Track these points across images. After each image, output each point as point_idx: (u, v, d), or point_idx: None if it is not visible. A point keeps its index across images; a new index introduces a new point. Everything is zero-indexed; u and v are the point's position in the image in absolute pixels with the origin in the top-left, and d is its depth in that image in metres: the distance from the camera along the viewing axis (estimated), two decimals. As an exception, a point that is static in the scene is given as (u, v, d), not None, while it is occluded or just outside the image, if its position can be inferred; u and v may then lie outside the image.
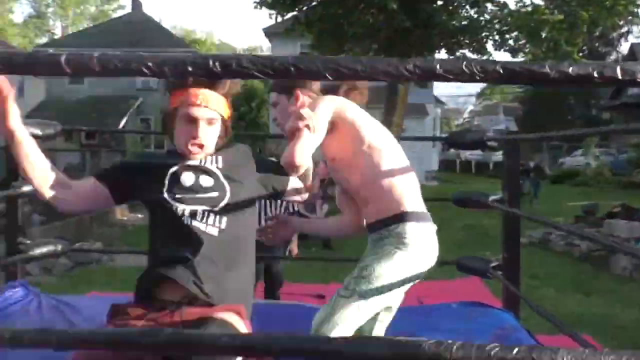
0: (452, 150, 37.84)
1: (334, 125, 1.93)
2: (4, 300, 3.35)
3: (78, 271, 8.49)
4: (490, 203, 3.03)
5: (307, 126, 1.76)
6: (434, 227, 2.05)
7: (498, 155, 31.00)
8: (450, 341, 0.75)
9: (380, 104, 16.50)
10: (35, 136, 3.26)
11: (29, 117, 5.25)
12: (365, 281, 1.87)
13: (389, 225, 1.93)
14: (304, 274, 7.57)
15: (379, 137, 2.01)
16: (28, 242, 3.61)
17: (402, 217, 1.92)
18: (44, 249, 3.45)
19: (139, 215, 15.05)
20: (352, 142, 1.97)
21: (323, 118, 1.86)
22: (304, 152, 1.75)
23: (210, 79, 1.73)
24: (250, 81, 29.92)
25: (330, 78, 0.70)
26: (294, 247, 4.86)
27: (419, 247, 1.91)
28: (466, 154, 34.62)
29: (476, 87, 52.90)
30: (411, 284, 1.99)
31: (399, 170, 1.98)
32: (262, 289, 5.02)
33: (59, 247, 3.51)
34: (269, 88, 2.36)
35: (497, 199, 3.08)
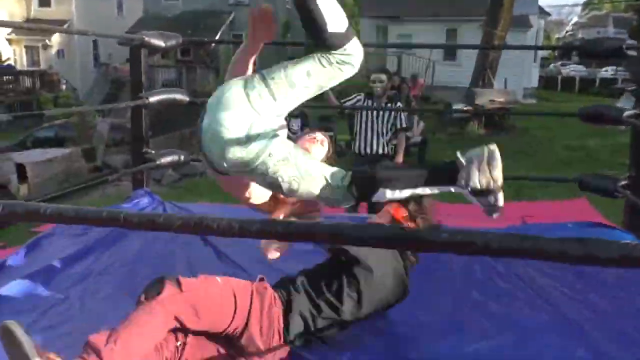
0: (552, 66, 35.50)
1: None
2: (133, 206, 3.60)
3: (184, 182, 8.99)
4: (624, 119, 2.82)
5: None
6: None
7: (605, 71, 28.79)
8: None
9: (480, 16, 15.57)
10: (158, 47, 3.38)
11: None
12: None
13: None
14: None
15: None
16: (152, 151, 3.82)
17: None
18: (168, 158, 3.64)
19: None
20: None
21: None
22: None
23: None
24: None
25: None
26: (399, 159, 4.86)
27: None
28: (568, 70, 32.34)
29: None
30: None
31: None
32: (365, 204, 5.10)
33: (182, 157, 3.70)
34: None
35: (632, 114, 2.86)
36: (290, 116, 10.43)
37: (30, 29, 18.95)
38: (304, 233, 0.79)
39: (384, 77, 4.75)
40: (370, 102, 4.75)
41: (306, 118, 10.43)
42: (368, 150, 4.84)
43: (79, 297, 2.57)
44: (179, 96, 3.55)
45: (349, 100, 4.86)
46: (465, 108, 10.20)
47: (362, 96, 4.81)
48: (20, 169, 7.40)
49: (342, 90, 5.16)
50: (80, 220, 0.83)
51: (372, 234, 0.77)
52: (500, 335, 2.34)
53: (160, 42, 3.26)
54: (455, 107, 11.35)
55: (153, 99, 3.40)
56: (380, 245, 0.78)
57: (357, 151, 4.93)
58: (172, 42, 3.33)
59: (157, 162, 3.59)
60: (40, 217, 0.84)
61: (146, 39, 3.20)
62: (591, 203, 6.21)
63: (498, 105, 11.07)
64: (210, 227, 0.79)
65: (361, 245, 0.76)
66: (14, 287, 2.60)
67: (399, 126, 4.83)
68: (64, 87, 23.83)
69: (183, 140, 12.29)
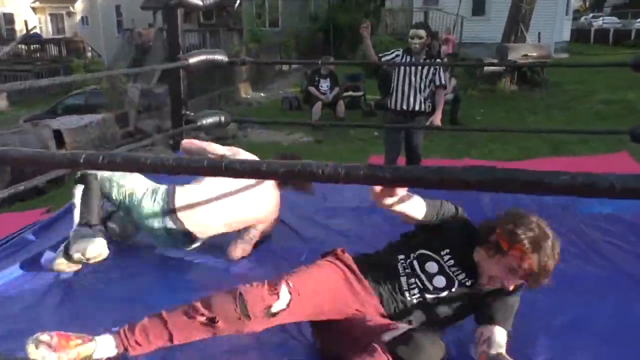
0: (582, 19, 34.30)
1: None
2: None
3: (216, 145, 9.02)
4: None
5: None
6: None
7: (641, 22, 27.64)
8: None
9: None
10: (196, 6, 3.33)
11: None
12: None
13: None
14: (435, 150, 7.50)
15: None
16: (192, 114, 3.81)
17: None
18: (209, 120, 3.63)
19: (262, 94, 15.48)
20: None
21: None
22: None
23: None
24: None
25: None
26: (436, 119, 4.78)
27: None
28: (601, 22, 31.20)
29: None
30: None
31: None
32: (403, 163, 5.07)
33: (222, 118, 3.69)
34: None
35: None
36: (319, 77, 10.38)
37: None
38: (412, 178, 0.76)
39: (422, 32, 4.62)
40: (408, 58, 4.65)
41: (335, 78, 10.31)
42: (405, 107, 4.77)
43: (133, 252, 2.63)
44: (218, 57, 3.51)
45: (387, 55, 4.76)
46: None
47: (400, 52, 4.72)
48: (58, 136, 7.52)
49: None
50: (182, 169, 0.82)
51: (481, 177, 0.74)
52: (556, 289, 2.32)
53: (198, 1, 3.21)
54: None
55: (193, 60, 3.37)
56: (489, 188, 0.75)
57: (393, 107, 4.86)
58: (210, 0, 3.27)
59: (199, 124, 3.59)
60: (140, 166, 0.83)
61: (185, -3, 3.16)
62: (632, 157, 6.06)
63: (532, 60, 10.76)
64: (316, 173, 0.77)
65: (468, 189, 0.74)
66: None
67: (437, 83, 4.74)
68: (89, 54, 23.94)
69: (212, 103, 12.30)
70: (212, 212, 2.40)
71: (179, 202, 2.36)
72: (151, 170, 0.82)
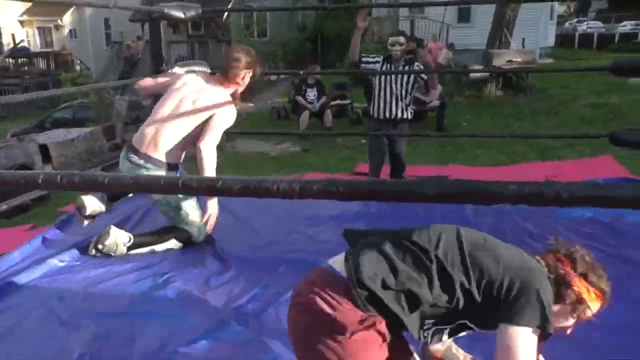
0: (567, 24, 34.64)
1: None
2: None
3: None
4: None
5: None
6: None
7: (624, 26, 28.01)
8: None
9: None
10: (177, 18, 3.35)
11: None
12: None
13: None
14: (421, 156, 7.54)
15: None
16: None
17: None
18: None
19: (250, 105, 15.47)
20: None
21: None
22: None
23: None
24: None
25: None
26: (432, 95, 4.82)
27: None
28: (585, 27, 31.54)
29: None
30: None
31: None
32: (387, 172, 5.09)
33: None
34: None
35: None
36: (307, 86, 10.39)
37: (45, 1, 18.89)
38: (367, 192, 0.78)
39: (402, 39, 4.66)
40: (388, 66, 4.68)
41: (322, 87, 10.34)
42: (387, 115, 4.79)
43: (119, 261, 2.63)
44: (201, 68, 3.51)
45: (370, 57, 4.76)
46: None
47: (380, 59, 4.75)
48: (44, 150, 7.48)
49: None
50: (139, 187, 0.82)
51: (437, 190, 0.76)
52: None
53: (179, 13, 3.22)
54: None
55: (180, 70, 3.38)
56: (448, 200, 0.76)
57: (376, 115, 4.87)
58: (192, 13, 3.29)
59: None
60: (98, 185, 0.83)
61: (166, 10, 3.17)
62: (617, 160, 6.12)
63: (516, 65, 10.85)
64: (271, 190, 0.78)
65: (420, 201, 0.75)
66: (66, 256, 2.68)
67: (425, 79, 4.80)
68: (78, 67, 23.88)
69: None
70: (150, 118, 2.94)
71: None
72: (109, 189, 0.83)
